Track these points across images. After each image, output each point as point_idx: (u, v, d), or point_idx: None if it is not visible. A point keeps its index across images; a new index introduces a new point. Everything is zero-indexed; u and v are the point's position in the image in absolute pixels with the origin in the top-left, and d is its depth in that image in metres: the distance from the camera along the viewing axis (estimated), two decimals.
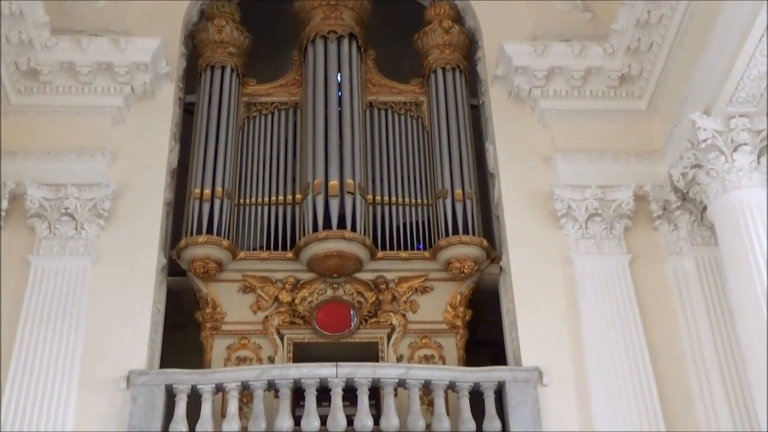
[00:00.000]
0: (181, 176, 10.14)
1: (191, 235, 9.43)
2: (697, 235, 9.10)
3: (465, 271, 9.52)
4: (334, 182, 9.60)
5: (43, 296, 8.68)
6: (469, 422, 8.33)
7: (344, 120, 10.16)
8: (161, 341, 9.17)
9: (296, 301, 9.57)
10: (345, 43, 10.75)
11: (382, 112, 10.60)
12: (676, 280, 8.99)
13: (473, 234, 9.55)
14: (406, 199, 9.91)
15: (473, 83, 10.98)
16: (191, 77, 10.81)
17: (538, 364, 8.57)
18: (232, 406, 8.33)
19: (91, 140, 9.59)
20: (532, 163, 9.74)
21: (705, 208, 8.72)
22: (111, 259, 9.02)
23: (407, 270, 9.66)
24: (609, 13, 9.96)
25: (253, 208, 9.81)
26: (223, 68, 10.59)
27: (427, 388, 8.52)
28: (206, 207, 9.55)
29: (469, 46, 11.02)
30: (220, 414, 8.62)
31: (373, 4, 11.18)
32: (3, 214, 9.03)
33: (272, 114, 10.57)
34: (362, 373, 8.39)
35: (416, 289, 9.67)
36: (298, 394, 8.65)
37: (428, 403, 8.86)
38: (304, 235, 9.49)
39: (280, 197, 9.84)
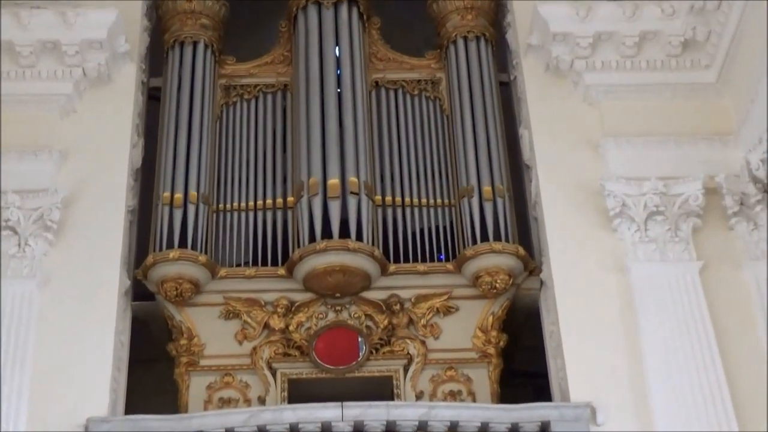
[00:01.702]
0: (146, 178, 10.15)
1: (160, 249, 9.42)
2: None
3: (497, 286, 9.50)
4: (333, 181, 9.61)
5: None
6: None
7: (345, 104, 10.17)
8: (126, 381, 9.14)
9: (291, 328, 9.57)
10: (344, 9, 10.77)
11: (391, 93, 10.63)
12: (758, 290, 8.91)
13: (506, 240, 9.53)
14: (423, 200, 9.92)
15: (502, 55, 10.99)
16: (156, 56, 10.82)
17: (590, 399, 8.52)
18: None
19: (35, 136, 9.61)
20: (576, 152, 9.72)
21: None
22: (62, 281, 9.01)
23: (426, 286, 9.66)
24: None
25: (236, 214, 9.82)
26: (194, 44, 10.62)
27: (453, 431, 8.46)
28: (178, 215, 9.54)
29: (497, 10, 11.03)
30: None
31: None
32: None
33: (256, 99, 10.60)
34: (374, 414, 8.35)
35: (438, 309, 9.67)
36: None
37: None
38: (298, 246, 9.48)
39: (269, 201, 9.85)
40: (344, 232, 9.41)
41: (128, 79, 10.19)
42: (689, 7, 9.70)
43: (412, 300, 9.65)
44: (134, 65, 10.27)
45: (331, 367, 9.42)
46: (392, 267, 9.59)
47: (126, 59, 10.19)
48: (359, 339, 9.50)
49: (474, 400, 9.31)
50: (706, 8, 9.60)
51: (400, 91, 10.64)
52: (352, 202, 9.54)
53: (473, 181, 9.81)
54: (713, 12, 9.58)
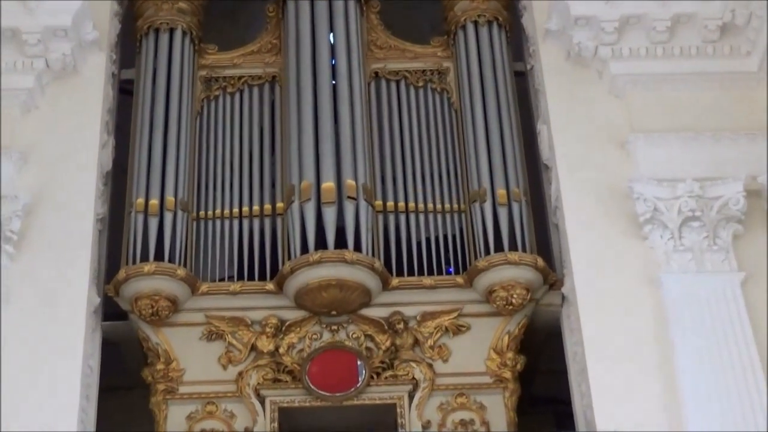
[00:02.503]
0: (118, 182, 10.15)
1: (134, 262, 9.40)
2: None
3: (513, 301, 9.48)
4: (328, 184, 9.60)
5: None
6: None
7: (340, 97, 10.17)
8: (96, 411, 9.12)
9: (281, 351, 9.56)
10: None
11: (393, 85, 10.65)
12: None
13: (523, 250, 9.52)
14: (429, 205, 9.91)
15: (517, 42, 11.00)
16: (128, 45, 10.85)
17: (620, 429, 8.48)
18: None
19: None
20: (601, 150, 9.73)
21: None
22: (24, 298, 8.99)
23: (433, 302, 9.65)
24: None
25: (218, 222, 9.81)
26: (171, 31, 10.63)
27: None
28: (153, 223, 9.53)
29: None
30: None
31: None
32: None
33: (241, 92, 10.62)
34: None
35: (447, 328, 9.65)
36: None
37: None
38: (289, 258, 9.47)
39: (255, 207, 9.85)
40: (341, 242, 9.38)
41: (97, 70, 10.20)
42: None
43: (418, 318, 9.63)
44: (103, 55, 10.28)
45: (327, 394, 9.39)
46: (395, 281, 9.58)
47: (94, 48, 10.20)
48: (358, 362, 9.48)
49: (488, 431, 9.29)
50: None
51: (402, 83, 10.65)
52: (349, 208, 9.52)
53: (486, 183, 9.79)
54: None
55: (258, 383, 9.45)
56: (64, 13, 9.84)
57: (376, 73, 10.67)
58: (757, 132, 9.57)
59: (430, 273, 9.62)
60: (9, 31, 9.79)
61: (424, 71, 10.71)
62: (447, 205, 9.92)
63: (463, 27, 10.71)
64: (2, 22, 9.77)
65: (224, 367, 9.54)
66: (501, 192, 9.71)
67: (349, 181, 9.63)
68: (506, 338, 9.56)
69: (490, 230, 9.57)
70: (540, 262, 9.53)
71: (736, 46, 9.97)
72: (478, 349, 9.57)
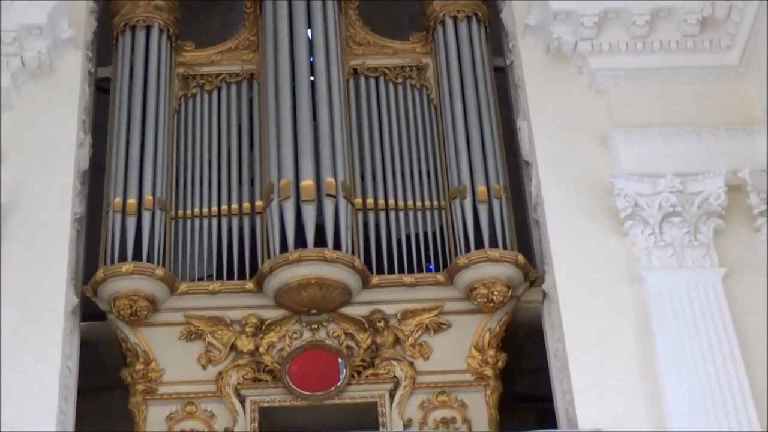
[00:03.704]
0: (95, 181, 10.15)
1: (112, 262, 9.39)
2: None
3: (494, 298, 9.49)
4: (307, 182, 9.60)
5: None
6: None
7: (319, 94, 10.17)
8: (74, 412, 9.10)
9: (261, 350, 9.55)
10: None
11: (372, 81, 10.65)
12: None
13: (504, 247, 9.53)
14: (409, 202, 9.92)
15: (497, 37, 11.00)
16: (105, 43, 10.82)
17: (601, 426, 8.50)
18: None
19: None
20: (581, 146, 9.76)
21: None
22: (1, 299, 8.95)
23: (414, 300, 9.66)
24: None
25: (197, 221, 9.80)
26: (148, 28, 10.60)
27: None
28: (131, 223, 9.52)
29: None
30: None
31: None
32: None
33: (218, 89, 10.60)
34: None
35: (427, 326, 9.66)
36: None
37: None
38: (268, 257, 9.47)
39: (234, 205, 9.85)
40: (320, 240, 9.39)
41: (73, 68, 10.18)
42: None
43: (398, 316, 9.63)
44: (79, 53, 10.27)
45: (308, 393, 9.39)
46: (375, 279, 9.59)
47: (70, 46, 10.18)
48: (339, 361, 9.48)
49: (470, 429, 9.30)
50: None
51: (381, 79, 10.65)
52: (328, 205, 9.53)
53: (466, 180, 9.80)
54: None
55: (238, 383, 9.44)
56: (40, 10, 9.83)
57: (355, 70, 10.66)
58: (737, 126, 9.60)
59: (411, 270, 9.62)
60: None
61: (403, 67, 10.70)
62: (427, 202, 9.93)
63: (442, 22, 10.70)
64: None
65: (204, 367, 9.53)
66: (481, 189, 9.72)
67: (328, 179, 9.63)
68: (487, 336, 9.57)
69: (470, 227, 9.57)
70: (521, 258, 9.54)
71: (716, 40, 10.00)
72: (459, 347, 9.57)
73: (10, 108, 9.87)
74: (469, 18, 10.71)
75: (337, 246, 9.39)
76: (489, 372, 9.49)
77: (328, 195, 9.56)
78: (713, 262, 9.14)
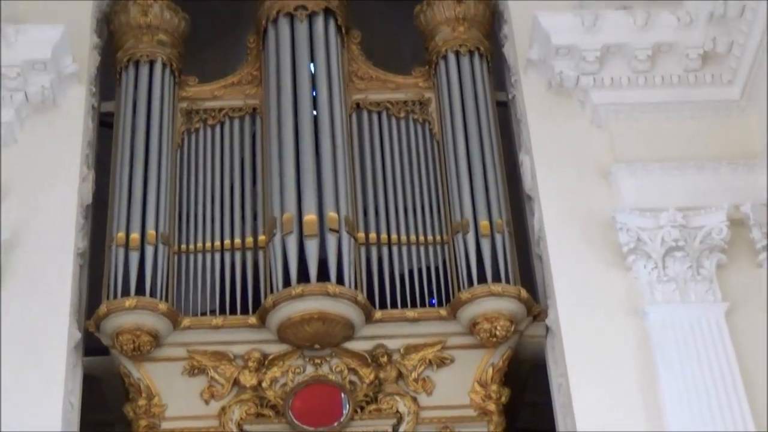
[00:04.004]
0: (98, 215, 10.15)
1: (115, 297, 9.40)
2: None
3: (497, 333, 9.48)
4: (310, 216, 9.60)
5: None
6: None
7: (322, 129, 10.19)
8: None
9: (264, 385, 9.54)
10: (319, 21, 10.81)
11: (374, 116, 10.68)
12: None
13: (507, 281, 9.53)
14: (412, 236, 9.92)
15: (499, 72, 11.03)
16: (108, 77, 10.86)
17: None
18: None
19: None
20: (584, 180, 9.77)
21: None
22: (4, 334, 8.96)
23: (417, 335, 9.65)
24: None
25: (200, 256, 9.81)
26: (151, 63, 10.65)
27: None
28: (134, 257, 9.53)
29: (492, 20, 11.11)
30: None
31: None
32: None
33: (221, 124, 10.63)
34: None
35: (430, 361, 9.65)
36: None
37: None
38: (271, 291, 9.47)
39: (237, 240, 9.86)
40: (323, 275, 9.38)
41: (76, 103, 10.21)
42: (708, 15, 9.72)
43: (401, 351, 9.62)
44: (83, 88, 10.30)
45: (311, 428, 9.37)
46: (378, 314, 9.58)
47: (73, 81, 10.21)
48: (342, 396, 9.47)
49: None
50: (727, 16, 9.62)
51: (384, 114, 10.67)
52: (331, 240, 9.52)
53: (468, 214, 9.81)
54: (735, 20, 9.61)
55: (241, 418, 9.42)
56: (44, 46, 9.84)
57: (358, 104, 10.68)
58: (739, 161, 9.59)
59: (414, 305, 9.61)
60: None
61: (405, 102, 10.72)
62: (430, 237, 9.92)
63: (445, 57, 10.73)
64: None
65: (207, 402, 9.51)
66: (484, 223, 9.72)
67: (331, 214, 9.63)
68: (490, 370, 9.56)
69: (473, 262, 9.57)
70: (523, 293, 9.53)
71: (718, 74, 10.01)
72: (462, 382, 9.55)
73: (13, 142, 9.88)
74: (471, 53, 10.74)
75: (340, 281, 9.38)
76: (492, 407, 9.47)
77: (330, 230, 9.55)
78: (716, 296, 9.12)
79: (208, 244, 9.84)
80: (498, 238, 9.71)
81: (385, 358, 9.57)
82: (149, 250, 9.57)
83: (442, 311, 9.62)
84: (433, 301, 9.75)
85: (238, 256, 9.79)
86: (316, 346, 9.57)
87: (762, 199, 9.31)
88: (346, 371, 9.60)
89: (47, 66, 9.91)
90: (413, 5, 11.09)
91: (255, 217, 10.04)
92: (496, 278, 9.51)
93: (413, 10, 11.07)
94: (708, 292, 9.14)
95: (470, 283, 9.51)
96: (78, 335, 9.36)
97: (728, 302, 9.09)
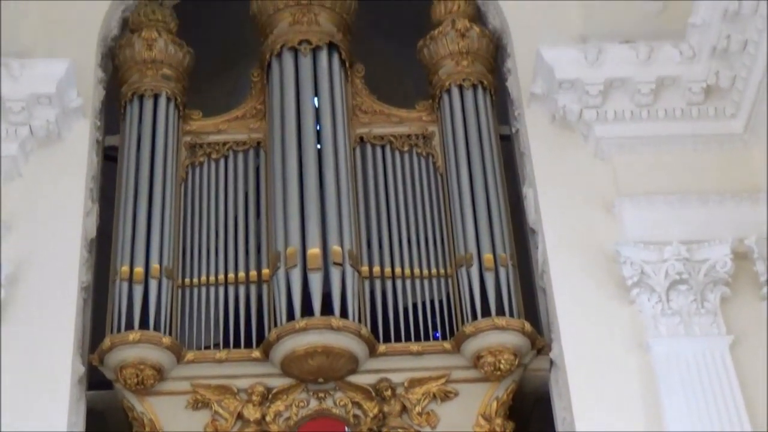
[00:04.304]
0: (102, 250, 10.16)
1: (118, 331, 9.41)
2: None
3: (501, 367, 9.47)
4: (314, 250, 9.63)
5: None
6: None
7: (325, 162, 10.23)
8: None
9: (268, 419, 9.51)
10: (323, 55, 10.86)
11: (378, 150, 10.70)
12: None
13: (511, 315, 9.54)
14: (416, 270, 9.93)
15: (502, 105, 11.08)
16: (112, 111, 10.91)
17: None
18: None
19: None
20: (587, 213, 9.78)
21: None
22: (8, 369, 8.97)
23: (421, 369, 9.64)
24: (685, 1, 9.95)
25: (204, 290, 9.83)
26: (156, 97, 10.70)
27: None
28: (138, 291, 9.55)
29: (495, 54, 11.14)
30: None
31: (359, 2, 11.31)
32: None
33: (225, 158, 10.66)
34: None
35: (434, 395, 9.62)
36: None
37: None
38: (275, 325, 9.48)
39: (240, 274, 9.87)
40: (327, 309, 9.40)
41: (81, 137, 10.23)
42: (711, 49, 9.74)
43: (405, 384, 9.60)
44: (87, 122, 10.31)
45: None
46: (382, 347, 9.58)
47: (78, 115, 10.23)
48: (346, 430, 9.46)
49: None
50: (729, 50, 9.64)
51: (387, 147, 10.70)
52: (335, 274, 9.54)
53: (472, 248, 9.83)
54: (738, 54, 9.63)
55: None
56: (49, 80, 9.88)
57: (361, 138, 10.70)
58: (743, 194, 9.60)
59: (417, 339, 9.61)
60: None
61: (409, 135, 10.75)
62: (433, 270, 9.93)
63: (448, 91, 10.76)
64: None
65: None
66: (487, 256, 9.74)
67: (335, 247, 9.65)
68: (494, 404, 9.52)
69: (477, 295, 9.58)
70: (527, 326, 9.53)
71: (721, 108, 10.02)
72: (467, 416, 9.51)
73: (18, 176, 9.91)
74: (474, 86, 10.77)
75: (343, 314, 9.39)
76: None
77: (334, 263, 9.58)
78: (720, 330, 9.11)
79: (212, 278, 9.86)
80: (502, 271, 9.72)
81: (389, 392, 9.54)
82: (153, 284, 9.58)
83: (446, 345, 9.62)
84: (437, 335, 9.75)
85: (242, 289, 9.80)
86: (320, 379, 9.55)
87: (765, 233, 9.29)
88: (350, 405, 9.57)
89: (52, 100, 9.94)
90: (417, 39, 11.13)
91: (259, 251, 10.05)
92: (500, 312, 9.52)
93: (417, 44, 11.13)
94: (712, 326, 9.14)
95: (474, 317, 9.52)
96: (82, 369, 9.37)
97: (733, 335, 9.08)
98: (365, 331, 9.47)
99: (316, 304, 9.40)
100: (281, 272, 9.60)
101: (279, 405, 9.56)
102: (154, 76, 10.77)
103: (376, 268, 9.90)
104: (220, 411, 9.54)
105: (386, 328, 9.66)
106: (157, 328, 9.42)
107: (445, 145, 10.58)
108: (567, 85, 10.07)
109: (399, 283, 9.85)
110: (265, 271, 9.84)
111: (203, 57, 11.23)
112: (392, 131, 10.78)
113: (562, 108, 10.12)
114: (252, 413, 9.50)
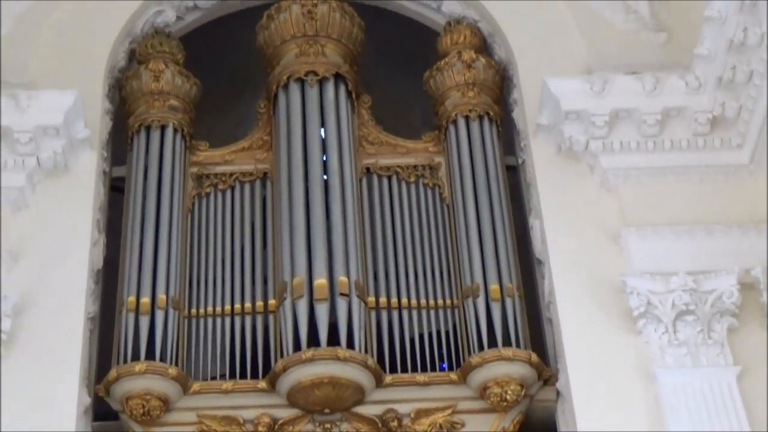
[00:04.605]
0: (109, 280, 10.18)
1: (125, 361, 9.40)
2: None
3: (508, 397, 9.45)
4: (321, 281, 9.63)
5: None
6: None
7: (332, 193, 10.24)
8: None
9: None
10: (329, 87, 10.89)
11: (384, 181, 10.71)
12: None
13: (517, 346, 9.52)
14: (422, 301, 9.92)
15: (509, 136, 11.09)
16: (119, 143, 10.94)
17: None
18: None
19: None
20: (594, 244, 9.78)
21: None
22: (13, 399, 8.96)
23: (427, 399, 9.60)
24: (690, 32, 10.07)
25: (210, 320, 9.81)
26: (163, 128, 10.72)
27: None
28: (145, 322, 9.54)
29: (501, 85, 11.18)
30: None
31: (366, 34, 11.34)
32: None
33: (232, 188, 10.67)
34: None
35: (441, 425, 9.57)
36: None
37: None
38: (281, 356, 9.46)
39: (247, 304, 9.86)
40: (333, 339, 9.38)
41: (88, 168, 10.27)
42: (717, 80, 9.77)
43: (412, 415, 9.56)
44: (95, 153, 10.34)
45: None
46: (388, 378, 9.55)
47: (85, 146, 10.26)
48: None
49: None
50: (735, 81, 9.66)
51: (394, 178, 10.70)
52: (341, 304, 9.53)
53: (478, 279, 9.82)
54: (744, 85, 9.65)
55: None
56: (56, 112, 9.91)
57: (368, 169, 10.71)
58: (749, 224, 9.60)
59: (424, 369, 9.58)
60: (0, 129, 9.85)
61: (415, 166, 10.74)
62: (440, 301, 9.91)
63: (454, 122, 10.77)
64: None
65: None
66: (494, 287, 9.73)
67: (341, 278, 9.64)
68: None
69: (483, 326, 9.56)
70: (534, 357, 9.51)
71: (727, 138, 10.04)
72: None
73: (25, 207, 9.94)
74: (481, 117, 10.78)
75: (350, 345, 9.36)
76: None
77: (341, 294, 9.56)
78: (727, 360, 9.09)
79: (219, 309, 9.84)
80: (508, 302, 9.71)
81: (395, 423, 9.51)
82: (159, 315, 9.58)
83: (453, 375, 9.59)
84: (444, 366, 9.72)
85: (248, 320, 9.79)
86: (327, 410, 9.51)
87: None
88: None
89: (59, 131, 9.97)
90: (423, 70, 11.19)
91: (265, 281, 10.04)
92: (507, 342, 9.50)
93: (423, 75, 11.17)
94: (719, 356, 9.12)
95: (481, 348, 9.49)
96: (88, 400, 9.35)
97: (740, 366, 9.06)
98: (372, 361, 9.45)
99: (323, 334, 9.38)
100: (288, 303, 9.59)
101: None
102: (161, 108, 10.79)
103: (383, 299, 9.89)
104: None
105: (393, 358, 9.63)
106: (163, 358, 9.41)
107: (452, 175, 10.59)
108: (573, 115, 10.09)
109: (405, 313, 9.84)
110: (272, 301, 9.83)
111: (210, 88, 11.27)
112: (399, 162, 10.78)
113: (568, 139, 10.14)
114: None
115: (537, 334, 9.94)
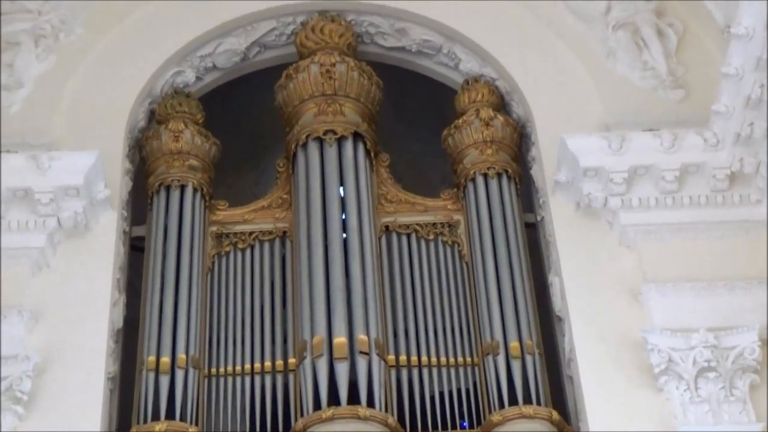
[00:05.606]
0: (129, 340, 10.21)
1: (145, 421, 9.41)
2: None
3: None
4: (340, 339, 9.64)
5: None
6: None
7: (351, 252, 10.27)
8: None
9: None
10: (348, 145, 10.95)
11: (404, 239, 10.74)
12: None
13: (538, 403, 9.52)
14: (442, 359, 9.92)
15: (527, 193, 11.15)
16: (139, 202, 11.02)
17: None
18: None
19: (3, 295, 9.63)
20: (614, 301, 9.79)
21: None
22: None
23: None
24: (707, 89, 10.17)
25: (230, 379, 9.83)
26: (182, 188, 10.80)
27: None
28: (165, 381, 9.57)
29: (519, 143, 11.23)
30: None
31: (384, 92, 11.43)
32: None
33: (252, 247, 10.71)
34: None
35: None
36: None
37: None
38: (301, 414, 9.46)
39: (267, 363, 9.88)
40: (353, 398, 9.38)
41: (108, 228, 10.31)
42: (735, 136, 9.80)
43: None
44: (115, 213, 10.40)
45: None
46: None
47: (106, 206, 10.31)
48: None
49: None
50: (753, 136, 9.69)
51: (413, 236, 10.72)
52: (361, 363, 9.54)
53: (498, 336, 9.83)
54: (761, 140, 9.67)
55: None
56: (76, 172, 9.97)
57: (387, 227, 10.74)
58: None
59: (444, 428, 9.56)
60: (21, 191, 9.89)
61: (434, 224, 10.77)
62: (460, 359, 9.91)
63: (473, 179, 10.81)
64: (16, 182, 9.89)
65: None
66: (514, 344, 9.73)
67: (361, 336, 9.66)
68: None
69: (503, 383, 9.56)
70: (555, 415, 9.49)
71: (746, 194, 10.05)
72: None
73: (45, 267, 9.98)
74: (499, 175, 10.82)
75: (370, 404, 9.36)
76: None
77: (361, 352, 9.57)
78: (750, 417, 9.06)
79: (239, 368, 9.86)
80: (528, 359, 9.71)
81: None
82: (179, 374, 9.60)
83: None
84: (465, 424, 9.70)
85: (268, 379, 9.80)
86: None
87: None
88: None
89: (80, 192, 10.03)
90: (441, 128, 11.25)
91: (285, 340, 10.06)
92: (527, 400, 9.49)
93: (441, 134, 11.24)
94: (742, 413, 9.09)
95: (501, 405, 9.49)
96: None
97: (762, 423, 9.04)
98: (392, 420, 9.43)
99: (343, 393, 9.38)
100: (308, 361, 9.60)
101: None
102: (181, 167, 10.87)
103: (403, 357, 9.89)
104: None
105: (413, 417, 9.61)
106: (183, 418, 9.42)
107: (471, 233, 10.61)
108: (591, 173, 10.11)
109: (426, 371, 9.83)
110: (292, 360, 9.84)
111: (229, 147, 11.35)
112: (417, 220, 10.81)
113: (586, 196, 10.15)
114: None
115: (557, 392, 9.94)
